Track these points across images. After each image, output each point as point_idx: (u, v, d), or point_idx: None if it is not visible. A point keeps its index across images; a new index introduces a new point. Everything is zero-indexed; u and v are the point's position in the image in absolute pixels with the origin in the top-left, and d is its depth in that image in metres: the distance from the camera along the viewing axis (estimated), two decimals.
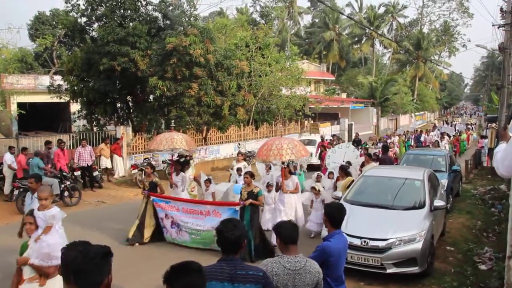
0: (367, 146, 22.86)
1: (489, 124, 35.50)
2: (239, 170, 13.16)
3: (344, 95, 47.00)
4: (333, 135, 21.77)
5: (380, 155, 13.63)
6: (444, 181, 11.98)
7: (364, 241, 7.14)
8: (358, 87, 48.92)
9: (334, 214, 4.22)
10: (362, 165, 12.45)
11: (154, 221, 9.32)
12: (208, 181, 11.07)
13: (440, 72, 61.91)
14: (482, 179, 18.03)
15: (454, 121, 51.76)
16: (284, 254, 3.48)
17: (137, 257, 8.55)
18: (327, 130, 32.26)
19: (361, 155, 14.59)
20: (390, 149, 17.60)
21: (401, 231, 7.27)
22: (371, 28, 50.59)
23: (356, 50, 59.28)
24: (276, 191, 10.02)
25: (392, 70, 61.94)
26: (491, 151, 17.96)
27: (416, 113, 55.61)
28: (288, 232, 3.52)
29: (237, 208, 8.30)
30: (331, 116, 36.33)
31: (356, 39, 58.31)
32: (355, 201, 8.40)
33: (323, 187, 10.83)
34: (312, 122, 31.51)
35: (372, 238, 7.16)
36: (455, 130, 34.79)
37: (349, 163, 12.44)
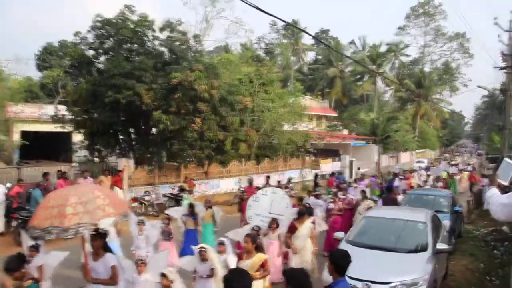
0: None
1: (490, 165, 35.54)
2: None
3: (346, 132, 47.18)
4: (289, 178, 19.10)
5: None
6: (446, 222, 11.92)
7: (367, 285, 7.02)
8: (360, 124, 49.14)
9: (339, 262, 4.18)
10: (292, 228, 8.92)
11: None
12: (34, 249, 6.53)
13: (442, 110, 62.34)
14: (484, 220, 17.77)
15: (452, 160, 51.31)
16: None
17: None
18: (328, 166, 32.21)
19: (293, 206, 10.65)
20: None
21: (404, 274, 7.15)
22: (373, 67, 51.26)
23: (359, 87, 59.85)
24: None
25: (393, 108, 62.35)
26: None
27: (417, 151, 55.69)
28: (297, 280, 3.48)
29: None
30: (333, 153, 36.29)
31: (358, 76, 59.05)
32: (357, 242, 8.32)
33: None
34: (313, 158, 31.49)
35: (375, 281, 7.04)
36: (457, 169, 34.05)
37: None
